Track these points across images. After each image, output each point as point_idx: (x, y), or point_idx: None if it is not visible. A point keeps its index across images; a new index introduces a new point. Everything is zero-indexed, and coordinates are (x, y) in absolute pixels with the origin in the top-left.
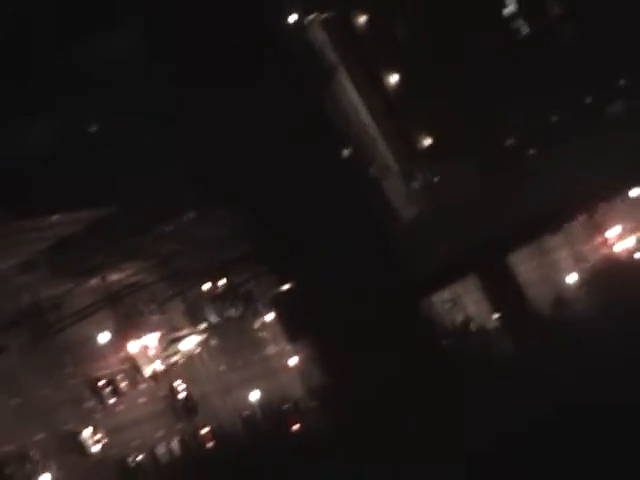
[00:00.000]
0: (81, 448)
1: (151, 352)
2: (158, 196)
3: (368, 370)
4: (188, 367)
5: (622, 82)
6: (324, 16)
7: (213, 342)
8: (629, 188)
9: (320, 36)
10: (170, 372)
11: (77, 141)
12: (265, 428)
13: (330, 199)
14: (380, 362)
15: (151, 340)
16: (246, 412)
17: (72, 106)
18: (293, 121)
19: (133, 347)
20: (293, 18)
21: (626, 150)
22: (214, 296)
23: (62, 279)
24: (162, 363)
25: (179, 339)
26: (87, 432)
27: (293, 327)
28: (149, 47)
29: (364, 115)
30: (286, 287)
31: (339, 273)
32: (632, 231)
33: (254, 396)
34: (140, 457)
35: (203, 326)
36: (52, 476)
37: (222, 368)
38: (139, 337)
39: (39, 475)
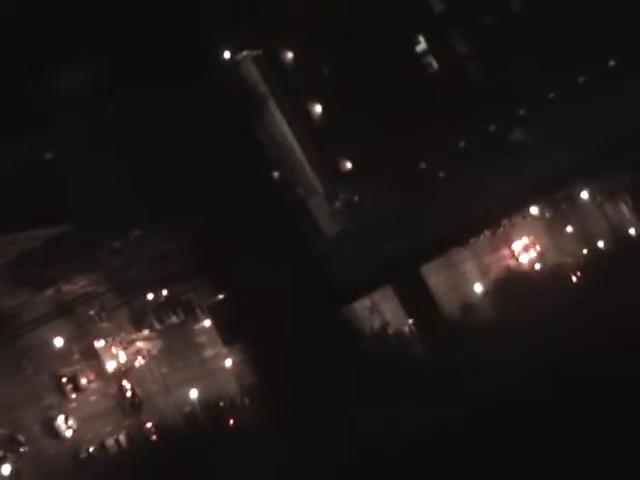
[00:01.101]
0: (56, 433)
1: (113, 350)
2: (107, 216)
3: (295, 370)
4: (133, 368)
5: (522, 112)
6: (255, 53)
7: (156, 346)
8: (529, 206)
9: (252, 71)
10: (127, 370)
11: (34, 167)
12: (203, 423)
13: (261, 217)
14: (306, 363)
15: (114, 340)
16: (186, 409)
17: (30, 135)
18: (228, 148)
19: (98, 345)
20: (227, 54)
21: (526, 172)
22: (158, 305)
23: (21, 290)
24: (124, 360)
25: (138, 340)
26: (60, 420)
27: (227, 332)
28: (101, 79)
29: (292, 142)
30: (221, 296)
31: (268, 284)
32: (533, 244)
33: (193, 394)
34: (92, 449)
35: (146, 332)
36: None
37: (164, 369)
38: (102, 337)
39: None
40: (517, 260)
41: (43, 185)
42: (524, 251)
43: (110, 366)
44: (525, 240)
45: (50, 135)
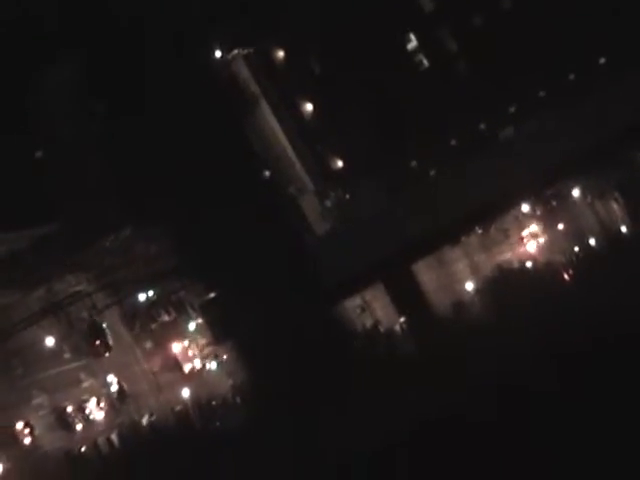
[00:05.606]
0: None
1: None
2: (97, 215)
3: (286, 368)
4: (125, 367)
5: (512, 109)
6: (246, 52)
7: (148, 345)
8: (520, 204)
9: (242, 70)
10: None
11: (22, 166)
12: (195, 421)
13: (251, 216)
14: (297, 361)
15: (190, 343)
16: (178, 407)
17: (17, 133)
18: (218, 146)
19: (176, 348)
20: (218, 53)
21: (517, 170)
22: (149, 304)
23: (11, 290)
24: (200, 363)
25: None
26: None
27: (218, 331)
28: (88, 79)
29: (283, 140)
30: (212, 295)
31: (259, 283)
32: (542, 233)
33: (185, 393)
34: (83, 448)
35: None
36: None
37: (156, 368)
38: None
39: None
40: (525, 247)
41: (31, 184)
42: (532, 238)
43: (186, 368)
44: (534, 228)
45: (38, 133)
